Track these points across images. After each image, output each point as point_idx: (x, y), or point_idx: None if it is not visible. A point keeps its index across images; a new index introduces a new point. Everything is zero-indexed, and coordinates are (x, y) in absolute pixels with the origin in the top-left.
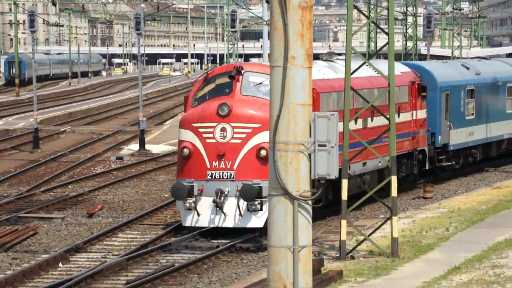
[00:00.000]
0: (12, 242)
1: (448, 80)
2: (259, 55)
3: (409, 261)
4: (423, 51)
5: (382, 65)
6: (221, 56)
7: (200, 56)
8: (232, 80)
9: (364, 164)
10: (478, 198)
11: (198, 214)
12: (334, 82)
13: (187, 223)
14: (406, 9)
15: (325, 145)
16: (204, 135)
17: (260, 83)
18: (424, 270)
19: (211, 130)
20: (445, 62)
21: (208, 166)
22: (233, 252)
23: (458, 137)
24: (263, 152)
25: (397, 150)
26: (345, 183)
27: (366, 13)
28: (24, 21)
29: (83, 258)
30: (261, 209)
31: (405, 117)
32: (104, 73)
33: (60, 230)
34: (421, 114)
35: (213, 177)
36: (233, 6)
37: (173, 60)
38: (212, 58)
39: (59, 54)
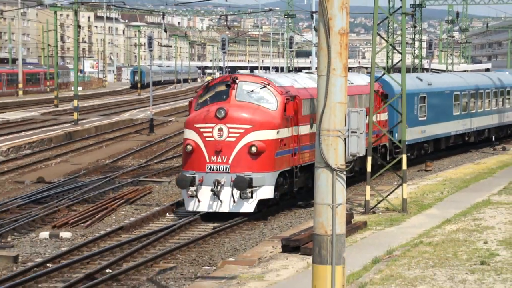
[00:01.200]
0: (135, 198)
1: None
2: (308, 68)
3: (414, 215)
4: (426, 65)
5: (356, 77)
6: (282, 68)
7: (267, 68)
8: (228, 88)
9: None
10: (464, 171)
11: (199, 201)
12: (313, 90)
13: (190, 208)
14: (414, 36)
15: (356, 132)
16: (205, 134)
17: (252, 90)
18: (425, 221)
19: (210, 130)
20: (407, 74)
21: (208, 160)
22: (288, 208)
23: (412, 134)
24: (253, 149)
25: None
26: (369, 159)
27: (385, 38)
28: (144, 43)
29: (183, 210)
30: (252, 197)
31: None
32: (199, 80)
33: (167, 190)
34: (384, 116)
35: (211, 169)
36: (291, 33)
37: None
38: (275, 69)
39: (168, 66)
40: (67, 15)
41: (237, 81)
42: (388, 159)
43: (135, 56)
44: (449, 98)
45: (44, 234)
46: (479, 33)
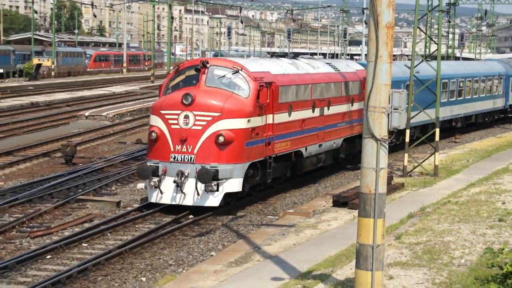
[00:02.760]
0: None
1: (392, 76)
2: (359, 55)
3: (444, 179)
4: (458, 55)
5: (340, 64)
6: (337, 55)
7: (324, 55)
8: (198, 72)
9: (320, 145)
10: (487, 143)
11: (161, 192)
12: (294, 76)
13: (152, 199)
14: (449, 30)
15: (398, 109)
16: (170, 121)
17: (223, 75)
18: (453, 184)
19: (176, 117)
20: (392, 63)
21: (172, 150)
22: (337, 171)
23: (397, 120)
24: (220, 138)
25: (352, 132)
26: (407, 131)
27: (424, 31)
28: (224, 32)
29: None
30: (217, 190)
31: (359, 106)
32: None
33: None
34: None
35: (175, 159)
36: (345, 26)
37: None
38: (331, 56)
39: (243, 51)
40: (163, 8)
41: (207, 65)
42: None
43: (217, 43)
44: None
45: (141, 185)
46: (503, 28)
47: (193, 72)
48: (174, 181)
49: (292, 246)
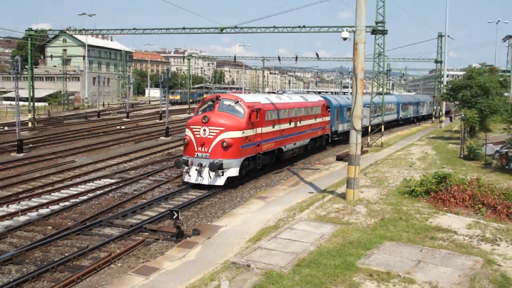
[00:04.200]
0: None
1: (338, 103)
2: (347, 92)
3: (386, 148)
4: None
5: (310, 96)
6: (337, 92)
7: (332, 92)
8: (213, 103)
9: (295, 143)
10: (404, 132)
11: (189, 175)
12: (277, 104)
13: (185, 179)
14: (387, 81)
15: (365, 116)
16: (195, 132)
17: (229, 104)
18: (389, 150)
19: (199, 129)
20: (340, 96)
21: (196, 150)
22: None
23: (342, 127)
24: (224, 143)
25: (315, 135)
26: (370, 127)
27: (376, 81)
28: (287, 82)
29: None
30: (223, 175)
31: (319, 120)
32: None
33: None
34: (327, 118)
35: (197, 156)
36: (341, 79)
37: None
38: (335, 92)
39: (295, 90)
40: (262, 72)
41: (220, 98)
42: (330, 141)
43: (283, 86)
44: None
45: None
46: (410, 81)
47: (211, 102)
48: (196, 169)
49: (317, 178)
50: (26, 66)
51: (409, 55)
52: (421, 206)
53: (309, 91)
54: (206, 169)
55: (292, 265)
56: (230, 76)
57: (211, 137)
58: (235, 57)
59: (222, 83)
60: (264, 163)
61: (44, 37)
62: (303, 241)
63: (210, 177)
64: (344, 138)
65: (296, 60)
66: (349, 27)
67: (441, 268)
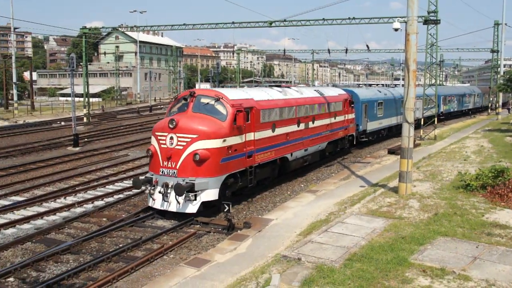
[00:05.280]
0: None
1: (366, 97)
2: (398, 84)
3: (439, 141)
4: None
5: (327, 90)
6: (388, 84)
7: (382, 85)
8: (187, 101)
9: (306, 150)
10: (459, 124)
11: (153, 199)
12: (279, 101)
13: (149, 203)
14: (440, 71)
15: (418, 109)
16: (160, 141)
17: (207, 103)
18: (443, 143)
19: (165, 137)
20: (367, 88)
21: (161, 164)
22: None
23: (372, 125)
24: (196, 157)
25: (335, 137)
26: (422, 120)
27: (429, 73)
28: (337, 74)
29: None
30: (195, 199)
31: (341, 118)
32: None
33: None
34: (351, 116)
35: (163, 173)
36: (392, 71)
37: None
38: (386, 85)
39: (345, 82)
40: (312, 65)
41: (195, 95)
42: (354, 143)
43: (334, 79)
44: (398, 102)
45: None
46: (464, 72)
47: (184, 100)
48: (159, 192)
49: (368, 172)
50: (81, 63)
51: (463, 45)
52: (476, 201)
53: (360, 84)
54: (173, 192)
55: (343, 259)
56: (280, 69)
57: (180, 147)
58: (284, 50)
59: (272, 76)
60: (261, 178)
61: (98, 34)
62: (354, 235)
63: (179, 203)
64: (374, 138)
65: (346, 52)
66: (400, 17)
67: (499, 265)
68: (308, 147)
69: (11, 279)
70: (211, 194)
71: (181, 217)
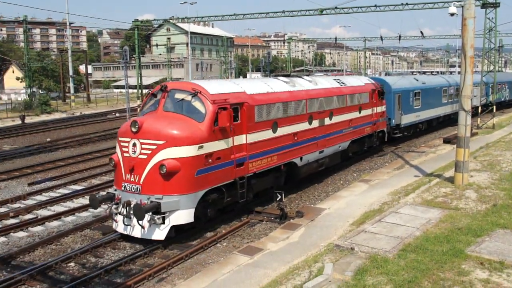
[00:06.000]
0: None
1: (400, 87)
2: (454, 72)
3: (497, 130)
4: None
5: (349, 79)
6: (443, 72)
7: (437, 72)
8: (156, 97)
9: (321, 151)
10: None
11: (116, 221)
12: (283, 94)
13: (113, 226)
14: (499, 57)
15: (475, 96)
16: (123, 149)
17: (182, 99)
18: (501, 133)
19: (127, 144)
20: (403, 76)
21: (124, 178)
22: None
23: (407, 119)
24: (163, 169)
25: (360, 134)
26: (480, 107)
27: (487, 59)
28: (389, 62)
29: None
30: (163, 223)
31: (367, 112)
32: None
33: None
34: (381, 108)
35: (125, 188)
36: (448, 58)
37: None
38: (441, 72)
39: (398, 71)
40: (364, 53)
41: (167, 89)
42: (386, 139)
43: (386, 67)
44: (439, 91)
45: None
46: None
47: (154, 97)
48: (119, 213)
49: (423, 161)
50: (134, 56)
51: None
52: None
53: (413, 72)
54: None
55: (397, 249)
56: (331, 58)
57: (144, 157)
58: (335, 38)
59: (323, 65)
60: (260, 189)
61: (149, 27)
62: (408, 225)
63: (143, 227)
64: (410, 133)
65: (399, 39)
66: (456, 1)
67: None
68: (323, 148)
69: (72, 264)
70: (183, 216)
71: (151, 243)
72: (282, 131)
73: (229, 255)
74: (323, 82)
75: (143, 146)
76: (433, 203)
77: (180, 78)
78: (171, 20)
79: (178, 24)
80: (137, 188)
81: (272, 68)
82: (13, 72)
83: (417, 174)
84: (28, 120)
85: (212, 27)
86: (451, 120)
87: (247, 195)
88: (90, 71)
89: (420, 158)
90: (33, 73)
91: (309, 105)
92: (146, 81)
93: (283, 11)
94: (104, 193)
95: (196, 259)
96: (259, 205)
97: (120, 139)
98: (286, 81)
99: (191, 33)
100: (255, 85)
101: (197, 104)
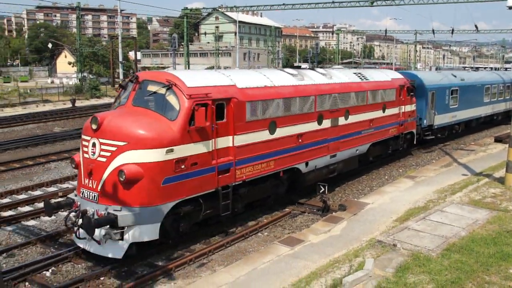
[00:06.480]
0: None
1: (434, 84)
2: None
3: None
4: None
5: (373, 73)
6: (497, 68)
7: (491, 68)
8: (126, 89)
9: (334, 155)
10: None
11: (73, 231)
12: (286, 88)
13: (73, 237)
14: None
15: None
16: (84, 149)
17: (154, 92)
18: None
19: (87, 143)
20: (438, 71)
21: (82, 183)
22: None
23: (442, 119)
24: (122, 175)
25: (383, 136)
26: None
27: None
28: (441, 57)
29: None
30: (122, 239)
31: (393, 111)
32: None
33: None
34: (410, 107)
35: (84, 195)
36: (503, 53)
37: None
38: (495, 69)
39: (450, 65)
40: (414, 47)
41: (138, 80)
42: (415, 143)
43: (437, 62)
44: (480, 89)
45: None
46: None
47: (122, 89)
48: (72, 223)
49: (472, 160)
50: (182, 43)
51: None
52: None
53: (465, 67)
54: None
55: (441, 249)
56: (380, 51)
57: (103, 160)
58: (386, 30)
59: (372, 58)
60: (253, 200)
61: (198, 15)
62: (454, 225)
63: (98, 242)
64: (445, 135)
65: (452, 33)
66: None
67: None
68: (336, 152)
69: None
70: (146, 232)
71: (112, 261)
72: (282, 132)
73: (270, 245)
74: (340, 75)
75: (103, 147)
76: (481, 204)
77: (227, 67)
78: (220, 9)
79: (227, 13)
80: (94, 196)
81: (319, 59)
82: (65, 57)
83: (465, 173)
84: (78, 103)
85: (261, 16)
86: (493, 121)
87: (234, 207)
88: (139, 58)
89: (469, 156)
90: (84, 58)
91: (319, 102)
92: (194, 69)
93: (333, 2)
94: (63, 198)
95: (236, 247)
96: (303, 196)
97: (82, 136)
98: (293, 73)
99: (240, 22)
100: (250, 77)
101: (171, 99)
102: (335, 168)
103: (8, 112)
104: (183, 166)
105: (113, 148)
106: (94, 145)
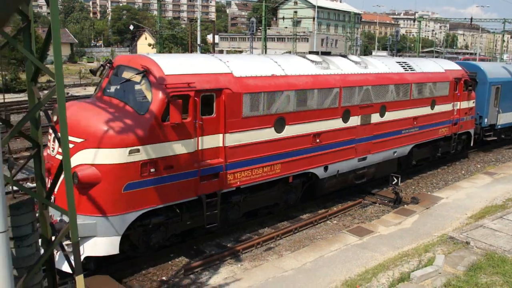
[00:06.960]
0: None
1: (499, 77)
2: None
3: None
4: None
5: (422, 63)
6: None
7: None
8: (96, 75)
9: (363, 158)
10: None
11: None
12: (299, 78)
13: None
14: None
15: None
16: (48, 143)
17: (128, 80)
18: None
19: (50, 138)
20: (508, 62)
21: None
22: None
23: (506, 118)
24: (75, 177)
25: (431, 137)
26: None
27: None
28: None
29: None
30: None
31: (445, 107)
32: None
33: None
34: (467, 104)
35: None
36: None
37: None
38: None
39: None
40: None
41: (113, 66)
42: (472, 144)
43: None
44: None
45: None
46: None
47: (95, 76)
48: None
49: None
50: (260, 28)
51: None
52: None
53: None
54: None
55: None
56: (464, 40)
57: (60, 157)
58: (471, 19)
59: (455, 47)
60: (254, 208)
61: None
62: None
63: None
64: (510, 137)
65: None
66: None
67: None
68: (367, 154)
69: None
70: (102, 246)
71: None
72: (292, 130)
73: (338, 233)
74: (378, 65)
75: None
76: None
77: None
78: None
79: None
80: (52, 198)
81: (399, 47)
82: (146, 38)
83: None
84: None
85: (340, 1)
86: None
87: (229, 217)
88: (217, 41)
89: None
90: (163, 40)
91: (345, 95)
92: (271, 53)
93: None
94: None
95: (304, 233)
96: (375, 187)
97: (50, 131)
98: (316, 60)
99: (319, 7)
100: (254, 64)
101: (144, 88)
102: (365, 173)
103: (90, 91)
104: (152, 170)
105: (70, 145)
106: (53, 142)
